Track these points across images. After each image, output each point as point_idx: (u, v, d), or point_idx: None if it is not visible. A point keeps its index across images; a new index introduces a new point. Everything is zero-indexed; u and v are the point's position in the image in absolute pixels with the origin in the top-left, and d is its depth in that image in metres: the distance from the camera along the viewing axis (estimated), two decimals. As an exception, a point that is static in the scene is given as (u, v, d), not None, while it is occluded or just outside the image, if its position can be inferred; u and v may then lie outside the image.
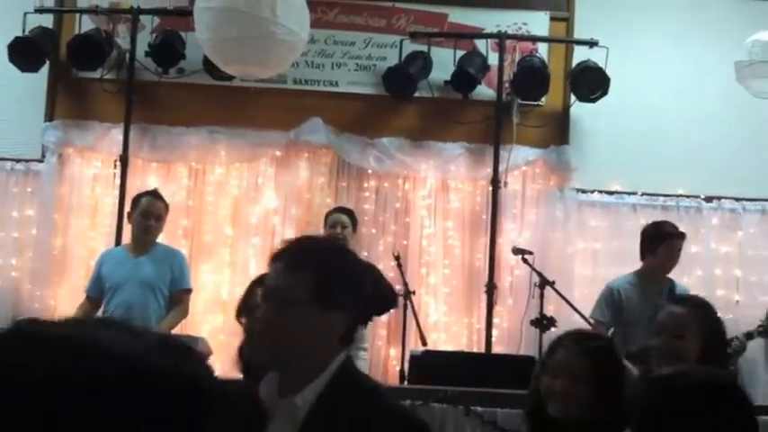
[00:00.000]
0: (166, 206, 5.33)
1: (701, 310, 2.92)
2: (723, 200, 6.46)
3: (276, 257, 1.91)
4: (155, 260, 5.20)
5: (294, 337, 1.84)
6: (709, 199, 6.46)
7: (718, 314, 3.06)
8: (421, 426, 1.94)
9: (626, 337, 4.93)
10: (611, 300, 5.14)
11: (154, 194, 5.35)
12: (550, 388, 2.47)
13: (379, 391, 1.94)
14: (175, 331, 5.55)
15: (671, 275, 5.28)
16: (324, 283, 1.84)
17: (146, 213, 5.19)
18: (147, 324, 4.91)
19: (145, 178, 6.41)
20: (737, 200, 6.46)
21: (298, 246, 1.96)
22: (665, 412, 1.64)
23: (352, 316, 1.89)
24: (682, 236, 5.25)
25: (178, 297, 5.23)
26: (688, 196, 6.46)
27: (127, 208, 5.53)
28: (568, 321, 5.04)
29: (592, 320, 5.13)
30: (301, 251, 1.93)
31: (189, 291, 5.33)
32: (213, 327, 6.22)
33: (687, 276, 6.09)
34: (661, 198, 6.45)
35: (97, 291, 5.21)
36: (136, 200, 5.31)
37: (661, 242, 5.17)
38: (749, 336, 5.09)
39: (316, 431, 1.82)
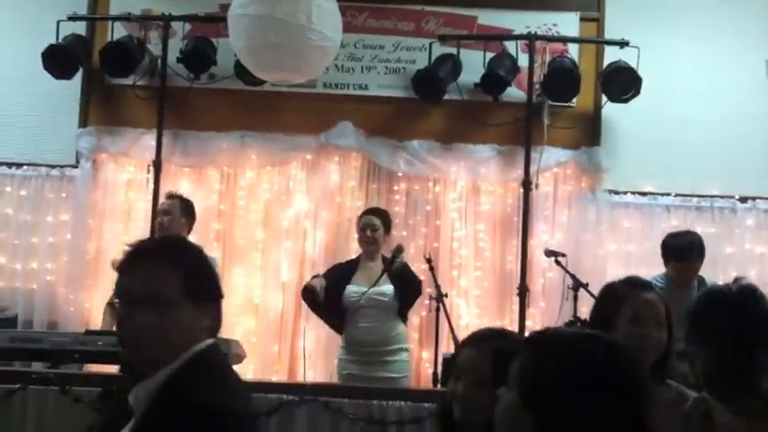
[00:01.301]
0: (182, 201, 5.40)
1: None
2: (758, 200, 6.39)
3: (131, 264, 1.92)
4: None
5: (170, 338, 1.86)
6: (743, 199, 6.39)
7: None
8: (212, 414, 1.77)
9: None
10: None
11: (168, 195, 5.54)
12: (454, 391, 2.31)
13: (200, 382, 1.83)
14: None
15: (723, 277, 5.27)
16: (191, 279, 1.88)
17: (157, 215, 5.41)
18: None
19: (177, 183, 6.46)
20: (772, 200, 6.38)
21: (155, 247, 1.99)
22: (535, 368, 1.53)
23: (218, 307, 1.95)
24: (687, 258, 5.24)
25: None
26: (722, 197, 6.39)
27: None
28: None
29: None
30: (159, 252, 1.95)
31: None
32: (246, 329, 6.25)
33: (722, 277, 6.01)
34: (695, 199, 6.39)
35: None
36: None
37: (668, 261, 5.25)
38: None
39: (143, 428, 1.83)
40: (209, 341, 1.91)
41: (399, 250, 5.13)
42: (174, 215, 5.31)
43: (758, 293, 2.27)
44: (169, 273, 1.88)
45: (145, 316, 1.85)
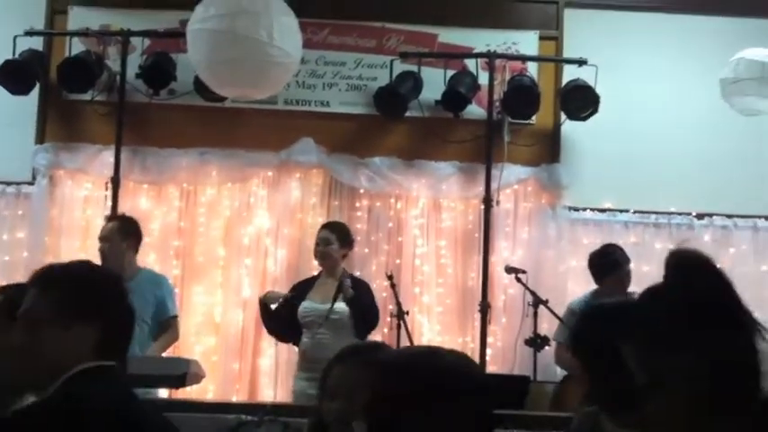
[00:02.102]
0: (121, 224, 5.21)
1: None
2: (715, 217, 6.48)
3: (29, 284, 2.01)
4: (137, 289, 5.03)
5: (42, 356, 1.91)
6: (700, 216, 6.48)
7: None
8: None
9: None
10: (572, 321, 5.15)
11: (108, 219, 5.37)
12: (328, 410, 2.24)
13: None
14: (168, 353, 5.54)
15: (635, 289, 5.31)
16: (67, 299, 1.93)
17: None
18: (132, 353, 4.87)
19: (136, 200, 6.40)
20: (729, 217, 6.48)
21: (43, 271, 2.04)
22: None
23: (103, 327, 1.95)
24: (627, 262, 5.31)
25: (166, 324, 5.19)
26: (680, 213, 6.48)
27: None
28: (562, 339, 5.06)
29: (554, 342, 5.20)
30: (45, 274, 2.01)
31: (176, 317, 5.27)
32: (206, 348, 6.19)
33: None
34: (653, 215, 6.47)
35: None
36: None
37: (607, 275, 5.28)
38: None
39: None
40: (87, 365, 1.91)
41: (342, 283, 5.07)
42: (113, 240, 5.12)
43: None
44: (39, 295, 1.95)
45: (17, 335, 1.93)
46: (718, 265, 1.71)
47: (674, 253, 1.73)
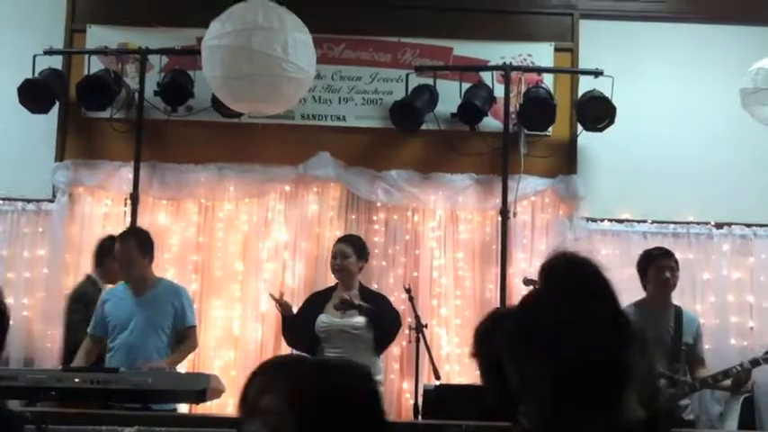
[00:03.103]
0: (139, 241, 5.17)
1: None
2: (734, 226, 6.45)
3: None
4: (156, 299, 5.15)
5: None
6: (719, 225, 6.45)
7: None
8: None
9: None
10: None
11: (121, 238, 5.24)
12: (248, 425, 2.21)
13: None
14: (188, 368, 5.57)
15: (680, 303, 5.27)
16: None
17: (117, 261, 5.18)
18: (151, 360, 4.92)
19: (155, 216, 6.44)
20: (748, 225, 6.45)
21: None
22: None
23: None
24: (666, 254, 5.23)
25: (184, 333, 5.20)
26: (698, 223, 6.45)
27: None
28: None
29: None
30: None
31: (194, 327, 5.28)
32: (225, 362, 6.22)
33: (700, 303, 6.08)
34: (671, 225, 6.44)
35: (100, 330, 5.16)
36: (113, 246, 5.28)
37: (648, 267, 5.19)
38: (755, 363, 5.03)
39: None
40: None
41: (345, 303, 5.09)
42: (135, 259, 5.11)
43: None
44: None
45: None
46: (590, 267, 1.71)
47: (548, 259, 1.74)
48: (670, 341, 5.07)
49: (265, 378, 1.65)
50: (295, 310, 5.34)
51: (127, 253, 5.11)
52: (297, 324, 5.21)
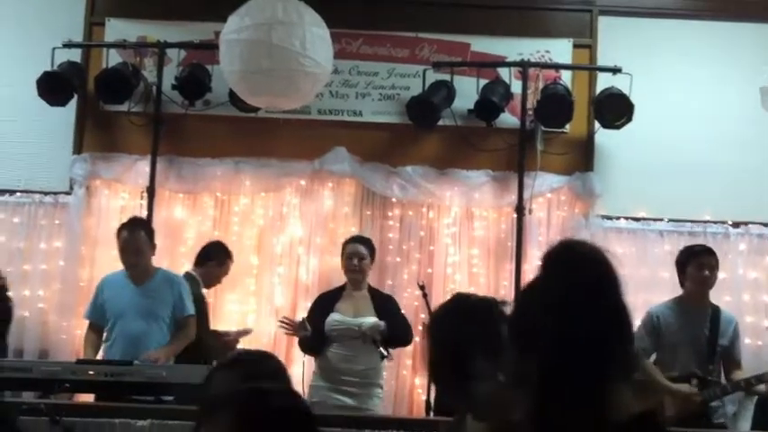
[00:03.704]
0: (149, 234, 5.22)
1: None
2: (751, 225, 6.40)
3: None
4: (155, 289, 5.16)
5: None
6: (736, 224, 6.40)
7: None
8: None
9: (668, 361, 4.98)
10: (651, 326, 5.07)
11: (130, 227, 5.18)
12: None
13: None
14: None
15: (716, 302, 5.21)
16: None
17: (124, 251, 5.12)
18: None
19: (171, 209, 6.47)
20: (765, 225, 6.40)
21: None
22: None
23: None
24: (708, 252, 5.16)
25: (182, 323, 5.19)
26: (715, 222, 6.40)
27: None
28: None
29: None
30: None
31: (193, 316, 5.25)
32: (239, 356, 6.22)
33: (716, 302, 6.01)
34: (688, 224, 6.40)
35: (98, 317, 5.18)
36: (117, 232, 5.20)
37: (688, 263, 5.11)
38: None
39: None
40: None
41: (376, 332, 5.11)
42: (145, 251, 5.13)
43: (460, 304, 2.30)
44: None
45: None
46: (591, 257, 1.74)
47: (550, 246, 1.79)
48: (705, 342, 5.01)
49: (213, 404, 1.73)
50: (306, 307, 5.36)
51: (137, 243, 5.12)
52: (314, 335, 5.21)
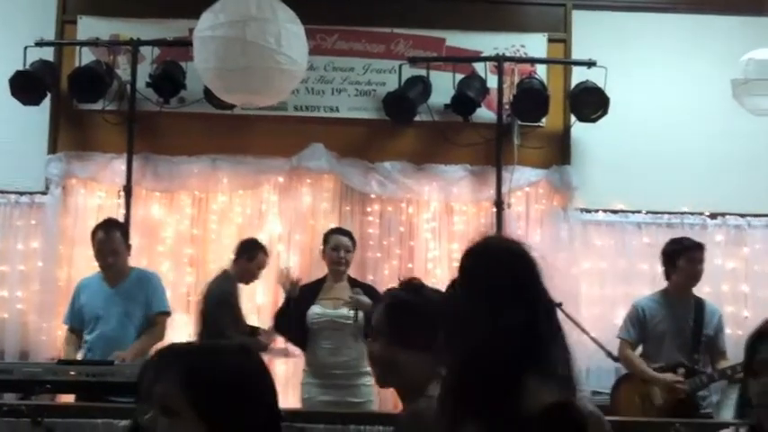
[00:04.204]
0: (124, 234, 5.19)
1: None
2: (728, 216, 6.46)
3: None
4: (130, 289, 5.11)
5: None
6: (713, 216, 6.46)
7: None
8: None
9: (654, 352, 5.05)
10: (636, 318, 5.14)
11: (105, 228, 5.12)
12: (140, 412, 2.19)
13: None
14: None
15: (696, 293, 5.25)
16: None
17: (100, 252, 5.07)
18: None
19: (148, 208, 6.43)
20: (742, 216, 6.47)
21: None
22: None
23: None
24: (699, 246, 5.20)
25: (152, 320, 5.11)
26: (692, 213, 6.46)
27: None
28: (577, 342, 5.03)
29: (618, 339, 5.16)
30: None
31: (164, 313, 5.18)
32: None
33: (695, 293, 6.07)
34: (666, 216, 6.46)
35: (77, 321, 5.14)
36: (92, 233, 5.15)
37: (679, 256, 5.14)
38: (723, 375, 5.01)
39: None
40: None
41: (357, 300, 5.06)
42: (120, 251, 5.10)
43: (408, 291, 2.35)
44: None
45: None
46: (510, 251, 1.86)
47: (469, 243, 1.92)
48: (690, 333, 5.06)
49: (159, 366, 1.71)
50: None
51: (113, 244, 5.07)
52: (290, 311, 5.21)
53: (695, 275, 5.14)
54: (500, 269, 1.85)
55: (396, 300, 2.29)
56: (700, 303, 5.17)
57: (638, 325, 5.11)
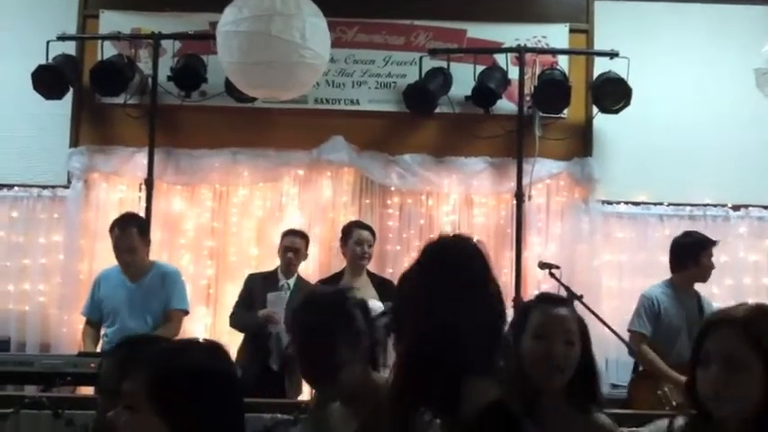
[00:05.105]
0: (141, 230, 5.14)
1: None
2: (751, 208, 6.40)
3: None
4: (151, 285, 5.09)
5: None
6: (736, 207, 6.40)
7: None
8: None
9: (666, 346, 4.90)
10: (651, 311, 5.00)
11: (121, 224, 5.08)
12: (101, 404, 2.23)
13: None
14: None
15: (717, 285, 5.20)
16: None
17: (117, 248, 5.04)
18: None
19: (169, 201, 6.45)
20: (765, 207, 6.40)
21: None
22: None
23: None
24: (715, 243, 5.14)
25: (167, 316, 5.09)
26: (715, 205, 6.40)
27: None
28: (597, 335, 4.99)
29: (629, 332, 5.01)
30: None
31: (182, 311, 5.15)
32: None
33: (717, 286, 6.02)
34: (688, 208, 6.40)
35: (95, 313, 5.14)
36: (110, 230, 5.10)
37: (703, 252, 5.05)
38: None
39: None
40: None
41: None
42: (138, 248, 5.05)
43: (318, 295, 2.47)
44: None
45: None
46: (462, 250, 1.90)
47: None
48: (697, 327, 4.98)
49: (126, 363, 1.76)
50: None
51: (129, 241, 5.03)
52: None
53: (710, 273, 5.09)
54: (454, 268, 1.88)
55: None
56: (699, 298, 5.09)
57: (654, 317, 4.98)
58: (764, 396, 1.79)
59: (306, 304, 2.42)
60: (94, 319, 5.17)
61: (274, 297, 5.30)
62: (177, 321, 5.14)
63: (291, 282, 5.48)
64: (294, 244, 5.51)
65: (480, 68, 6.28)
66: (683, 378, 4.89)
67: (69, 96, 6.40)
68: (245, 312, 5.41)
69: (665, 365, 4.84)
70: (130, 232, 5.04)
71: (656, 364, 4.90)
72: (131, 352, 2.11)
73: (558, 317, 2.43)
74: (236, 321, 5.51)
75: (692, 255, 5.08)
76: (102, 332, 5.12)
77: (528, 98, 6.27)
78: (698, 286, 5.13)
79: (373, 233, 5.39)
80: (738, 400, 1.80)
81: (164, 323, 5.08)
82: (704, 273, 5.07)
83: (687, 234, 5.25)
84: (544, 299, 2.57)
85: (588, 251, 6.29)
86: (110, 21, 6.58)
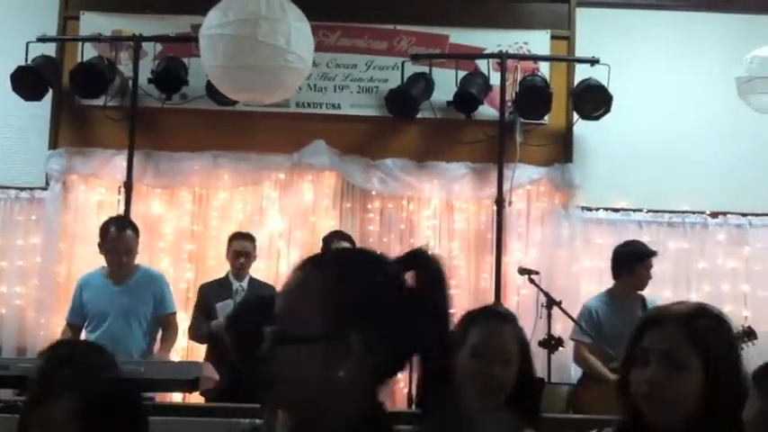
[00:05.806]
0: (136, 232, 5.14)
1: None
2: (729, 215, 6.44)
3: None
4: (136, 288, 5.09)
5: None
6: (714, 215, 6.44)
7: None
8: None
9: (609, 353, 5.03)
10: (591, 320, 5.23)
11: (119, 225, 5.11)
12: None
13: None
14: (182, 357, 5.55)
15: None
16: None
17: (113, 250, 5.02)
18: (128, 355, 4.85)
19: (149, 204, 6.42)
20: (743, 215, 6.44)
21: None
22: None
23: None
24: (655, 254, 5.34)
25: (166, 321, 5.17)
26: (694, 212, 6.44)
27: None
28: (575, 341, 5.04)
29: (572, 341, 5.25)
30: None
31: (174, 313, 5.26)
32: (219, 352, 6.19)
33: (695, 292, 6.07)
34: (666, 215, 6.43)
35: (78, 318, 5.12)
36: (103, 230, 5.09)
37: (639, 263, 5.25)
38: None
39: None
40: None
41: None
42: (134, 250, 5.09)
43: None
44: None
45: None
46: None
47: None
48: None
49: (52, 383, 1.84)
50: None
51: (128, 243, 5.04)
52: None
53: (647, 283, 5.26)
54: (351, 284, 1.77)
55: None
56: (643, 301, 5.25)
57: (593, 326, 5.19)
58: (700, 399, 1.71)
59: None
60: (76, 323, 5.15)
61: (223, 306, 5.31)
62: (176, 324, 5.26)
63: (244, 284, 5.53)
64: (244, 248, 5.57)
65: (462, 74, 6.30)
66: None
67: (49, 98, 6.36)
68: (202, 323, 5.42)
69: (604, 369, 5.04)
70: (129, 234, 5.06)
71: (594, 368, 5.12)
72: (65, 378, 2.06)
73: (497, 336, 2.33)
74: (193, 334, 5.56)
75: (627, 265, 5.28)
76: (83, 336, 5.09)
77: (509, 104, 6.29)
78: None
79: (352, 242, 5.42)
80: (675, 402, 1.72)
81: (165, 330, 5.16)
82: (641, 282, 5.26)
83: (627, 244, 5.44)
84: (486, 315, 2.46)
85: (568, 257, 6.31)
86: (90, 22, 6.55)
